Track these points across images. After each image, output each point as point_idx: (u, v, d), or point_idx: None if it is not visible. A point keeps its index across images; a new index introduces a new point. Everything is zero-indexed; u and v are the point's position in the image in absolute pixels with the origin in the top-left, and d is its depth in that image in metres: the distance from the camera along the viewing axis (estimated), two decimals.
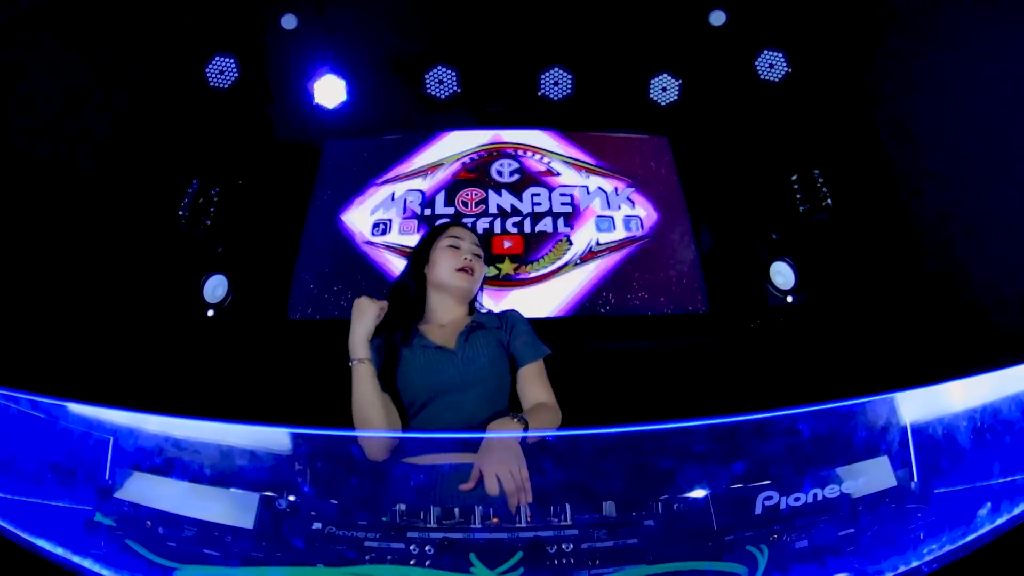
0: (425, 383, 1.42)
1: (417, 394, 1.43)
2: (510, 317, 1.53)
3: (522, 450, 1.14)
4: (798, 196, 3.23)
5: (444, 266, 1.52)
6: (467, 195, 3.46)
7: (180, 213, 3.07)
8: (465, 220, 3.36)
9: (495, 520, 0.84)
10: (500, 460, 1.09)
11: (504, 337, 1.49)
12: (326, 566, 0.80)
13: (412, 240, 3.29)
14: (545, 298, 3.15)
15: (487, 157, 3.60)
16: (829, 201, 3.11)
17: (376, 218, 3.39)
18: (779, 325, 3.04)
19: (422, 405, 1.42)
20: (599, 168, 3.57)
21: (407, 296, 1.55)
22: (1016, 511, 0.85)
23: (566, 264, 3.25)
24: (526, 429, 1.21)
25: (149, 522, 0.87)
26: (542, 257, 3.27)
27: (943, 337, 2.66)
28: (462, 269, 1.50)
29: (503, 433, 1.19)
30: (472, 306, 1.60)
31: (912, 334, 2.76)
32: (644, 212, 3.42)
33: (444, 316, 1.53)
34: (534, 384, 1.44)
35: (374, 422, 1.34)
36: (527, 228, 3.35)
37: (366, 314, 1.35)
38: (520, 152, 3.62)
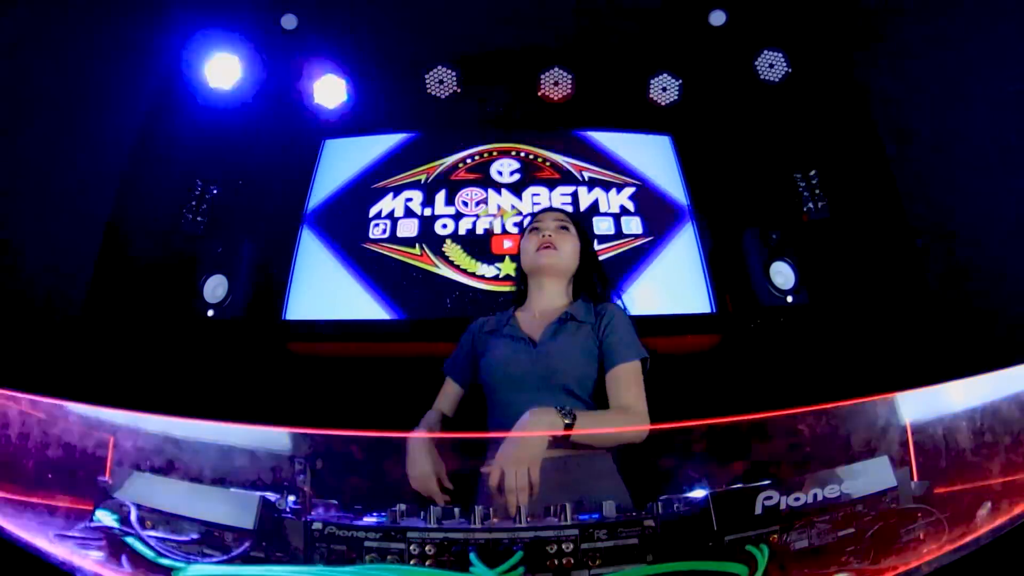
0: (502, 374, 1.40)
1: (495, 384, 1.40)
2: (608, 311, 1.45)
3: (545, 451, 1.11)
4: (804, 195, 3.22)
5: (527, 252, 1.51)
6: (467, 195, 3.46)
7: (183, 211, 3.07)
8: (465, 220, 3.36)
9: (495, 520, 0.84)
10: (514, 457, 1.08)
11: (597, 333, 1.41)
12: (326, 566, 0.80)
13: (412, 240, 3.29)
14: None
15: (487, 157, 3.60)
16: (823, 203, 3.12)
17: (376, 218, 3.39)
18: (779, 325, 3.04)
19: (501, 398, 1.39)
20: (599, 168, 3.57)
21: (517, 281, 1.60)
22: (1016, 511, 0.85)
23: None
24: (569, 427, 1.15)
25: (149, 522, 0.87)
26: None
27: (943, 337, 2.66)
28: (543, 246, 1.47)
29: (520, 433, 1.15)
30: (578, 289, 1.53)
31: (912, 334, 2.77)
32: (644, 212, 3.42)
33: (540, 302, 1.50)
34: (621, 387, 1.34)
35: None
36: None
37: (422, 483, 1.21)
38: (520, 152, 3.62)
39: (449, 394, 1.53)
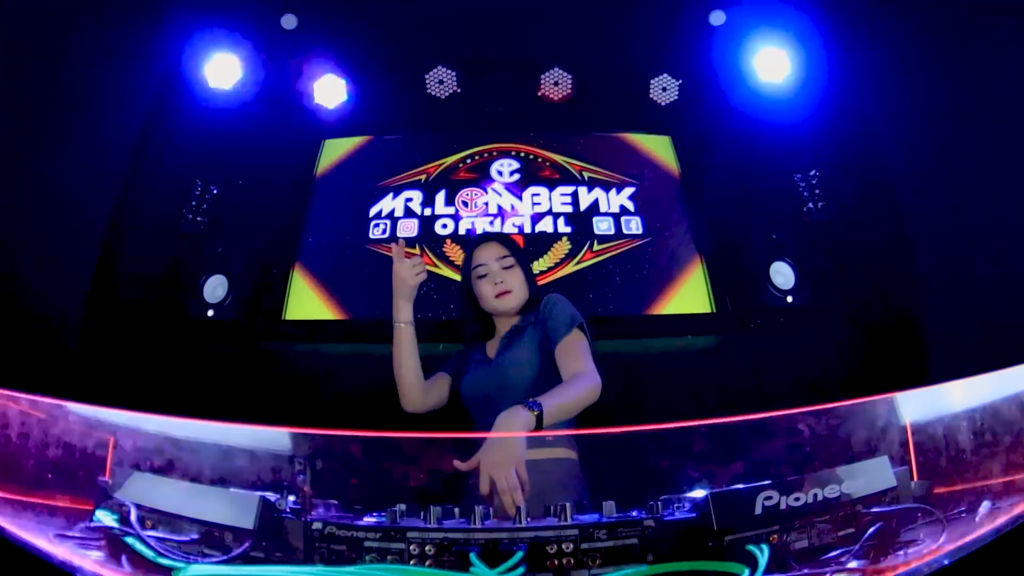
0: (471, 395, 1.54)
1: (467, 406, 1.55)
2: (544, 305, 1.56)
3: (524, 449, 1.13)
4: (805, 194, 3.22)
5: (486, 298, 1.61)
6: (467, 195, 3.46)
7: (183, 211, 3.07)
8: (465, 219, 3.36)
9: (495, 520, 0.84)
10: (496, 461, 1.08)
11: (539, 328, 1.52)
12: (326, 566, 0.80)
13: (412, 240, 3.29)
14: None
15: (487, 157, 3.60)
16: (822, 203, 3.12)
17: (376, 218, 3.39)
18: (779, 325, 3.04)
19: (473, 416, 1.53)
20: (599, 168, 3.56)
21: (472, 326, 1.68)
22: (1016, 511, 0.85)
23: (566, 264, 3.25)
24: (539, 416, 1.19)
25: (149, 522, 0.87)
26: (542, 257, 3.27)
27: (943, 337, 2.66)
28: (499, 295, 1.58)
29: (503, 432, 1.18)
30: (524, 308, 1.63)
31: (912, 334, 2.77)
32: (644, 212, 3.42)
33: (502, 328, 1.64)
34: (566, 357, 1.44)
35: (405, 381, 1.52)
36: (527, 228, 3.35)
37: (402, 279, 1.49)
38: (520, 152, 3.62)
39: (441, 381, 1.64)
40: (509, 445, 1.12)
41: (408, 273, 1.50)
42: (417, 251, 3.24)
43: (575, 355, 1.44)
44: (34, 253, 2.55)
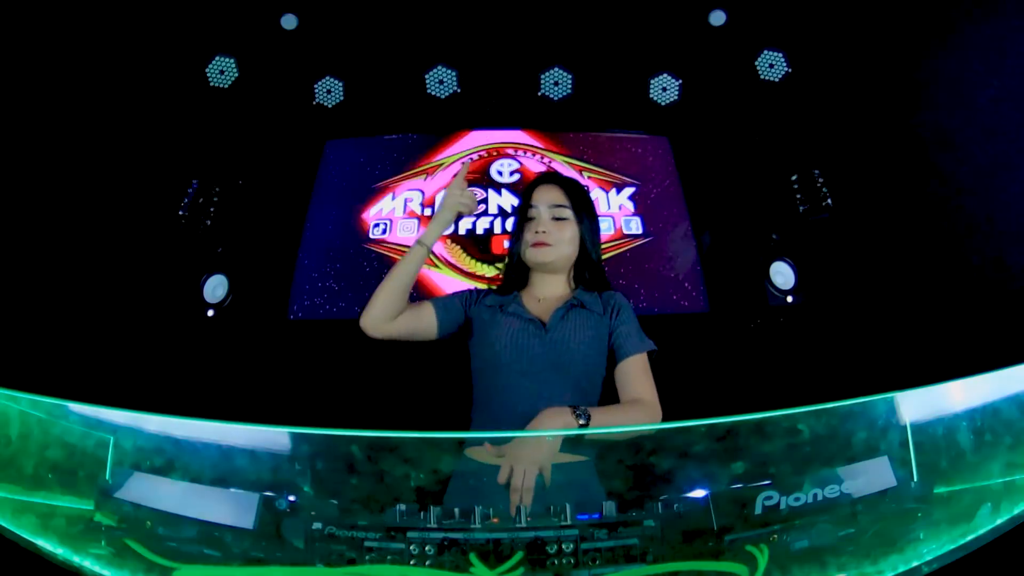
0: (509, 354, 1.35)
1: (499, 363, 1.35)
2: (616, 301, 1.42)
3: (557, 454, 1.08)
4: (798, 196, 3.23)
5: (524, 242, 1.44)
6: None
7: (180, 213, 3.07)
8: (465, 220, 3.35)
9: (495, 520, 0.84)
10: (524, 456, 1.05)
11: (607, 322, 1.39)
12: (326, 566, 0.80)
13: (412, 240, 3.29)
14: None
15: (487, 157, 3.60)
16: (829, 201, 3.11)
17: (376, 218, 3.39)
18: (779, 325, 3.04)
19: (503, 376, 1.34)
20: (599, 168, 3.57)
21: (510, 267, 1.49)
22: (1016, 511, 0.85)
23: None
24: (585, 426, 1.13)
25: (149, 522, 0.87)
26: None
27: (943, 337, 2.66)
28: (534, 244, 1.41)
29: (537, 432, 1.12)
30: (578, 277, 1.46)
31: (912, 334, 2.77)
32: (644, 212, 3.42)
33: (541, 290, 1.45)
34: (636, 379, 1.34)
35: (382, 293, 1.33)
36: None
37: (450, 201, 1.39)
38: (520, 152, 3.62)
39: (423, 309, 1.41)
40: (541, 444, 1.08)
41: (457, 199, 1.40)
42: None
43: (643, 380, 1.34)
44: (34, 252, 2.55)
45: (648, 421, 1.25)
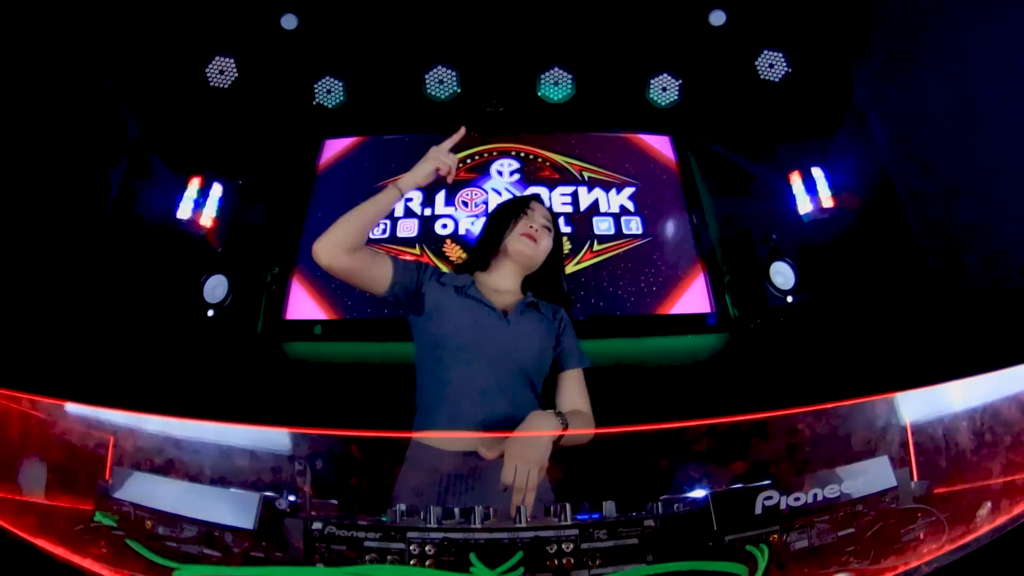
0: (471, 335, 1.37)
1: (459, 344, 1.37)
2: (564, 315, 1.54)
3: (550, 451, 1.13)
4: (798, 196, 3.23)
5: (513, 231, 1.53)
6: (467, 195, 3.46)
7: (180, 213, 3.07)
8: (465, 220, 3.36)
9: (495, 520, 0.84)
10: (527, 456, 1.08)
11: (556, 330, 1.48)
12: (326, 566, 0.80)
13: (412, 240, 3.29)
14: None
15: (487, 157, 3.60)
16: (830, 201, 3.11)
17: None
18: (779, 325, 3.04)
19: (461, 358, 1.36)
20: (599, 168, 3.57)
21: (481, 248, 1.57)
22: (1016, 511, 0.85)
23: (566, 264, 3.25)
24: (566, 429, 1.18)
25: (149, 522, 0.87)
26: None
27: (943, 337, 2.66)
28: (528, 236, 1.50)
29: (529, 432, 1.16)
30: (528, 284, 1.57)
31: (912, 334, 2.77)
32: (644, 212, 3.42)
33: (501, 281, 1.53)
34: (579, 390, 1.44)
35: (343, 224, 1.31)
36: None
37: (431, 159, 1.41)
38: (520, 152, 3.62)
39: (381, 258, 1.40)
40: (539, 444, 1.11)
41: (440, 156, 1.41)
42: (418, 251, 3.24)
43: (584, 392, 1.44)
44: (34, 252, 2.55)
45: (591, 428, 1.33)
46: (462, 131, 1.55)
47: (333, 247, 1.31)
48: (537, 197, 1.66)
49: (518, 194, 3.45)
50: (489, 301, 1.43)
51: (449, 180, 1.45)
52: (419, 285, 1.43)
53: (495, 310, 1.42)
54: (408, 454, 1.31)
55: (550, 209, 1.65)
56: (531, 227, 1.52)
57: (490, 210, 1.69)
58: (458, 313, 1.39)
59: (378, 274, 1.38)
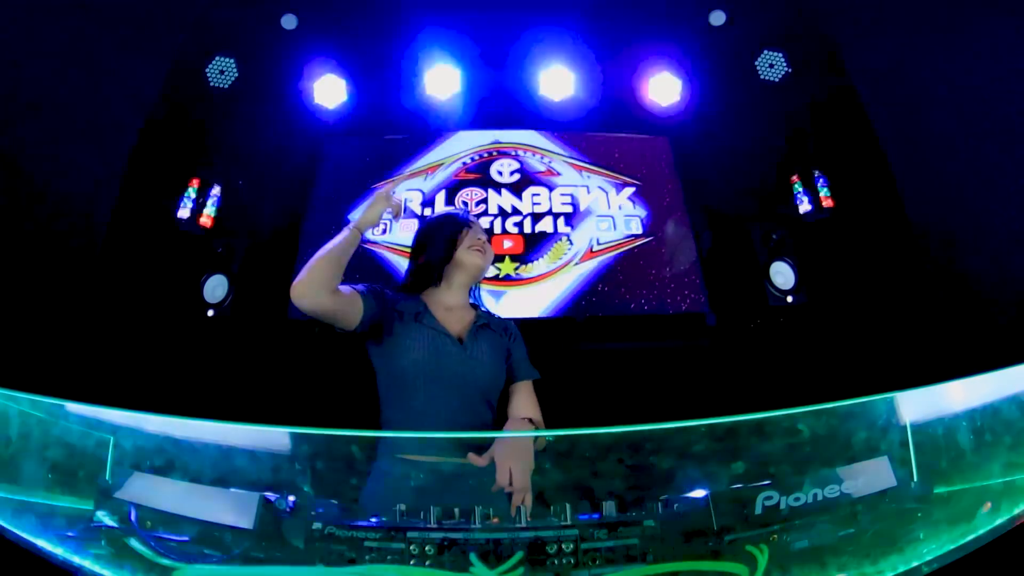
0: (429, 365, 1.42)
1: (417, 373, 1.42)
2: (512, 329, 1.59)
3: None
4: (798, 196, 3.23)
5: (465, 246, 1.57)
6: (467, 195, 3.46)
7: (180, 213, 3.07)
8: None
9: (495, 520, 0.84)
10: (517, 457, 1.10)
11: (507, 345, 1.54)
12: (326, 566, 0.80)
13: (411, 239, 3.29)
14: (545, 297, 3.15)
15: (487, 157, 3.60)
16: (830, 201, 3.11)
17: None
18: (779, 325, 3.04)
19: (421, 387, 1.42)
20: (599, 168, 3.57)
21: (426, 268, 1.57)
22: (1016, 511, 0.85)
23: (566, 264, 3.25)
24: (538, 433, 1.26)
25: (149, 522, 0.87)
26: (542, 257, 3.27)
27: (943, 337, 2.66)
28: (476, 248, 1.56)
29: (513, 432, 1.21)
30: (472, 298, 1.63)
31: (912, 334, 2.77)
32: (644, 212, 3.42)
33: (452, 297, 1.56)
34: (530, 400, 1.49)
35: (315, 266, 1.34)
36: (527, 228, 3.35)
37: (377, 199, 1.50)
38: (520, 152, 3.62)
39: (353, 295, 1.42)
40: (527, 445, 1.14)
41: (386, 201, 1.49)
42: None
43: (535, 402, 1.49)
44: (35, 252, 2.55)
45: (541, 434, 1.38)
46: (394, 188, 1.61)
47: (314, 288, 1.33)
48: (467, 219, 1.68)
49: (516, 195, 3.46)
50: (444, 327, 1.48)
51: (397, 219, 1.59)
52: (380, 313, 1.46)
53: (450, 337, 1.47)
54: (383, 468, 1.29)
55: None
56: (479, 239, 1.58)
57: (423, 226, 1.66)
58: (415, 345, 1.44)
59: (354, 309, 1.41)
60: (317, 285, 1.32)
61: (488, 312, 1.61)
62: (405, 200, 1.55)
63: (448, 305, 1.54)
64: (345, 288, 1.40)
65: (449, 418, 1.39)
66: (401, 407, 1.44)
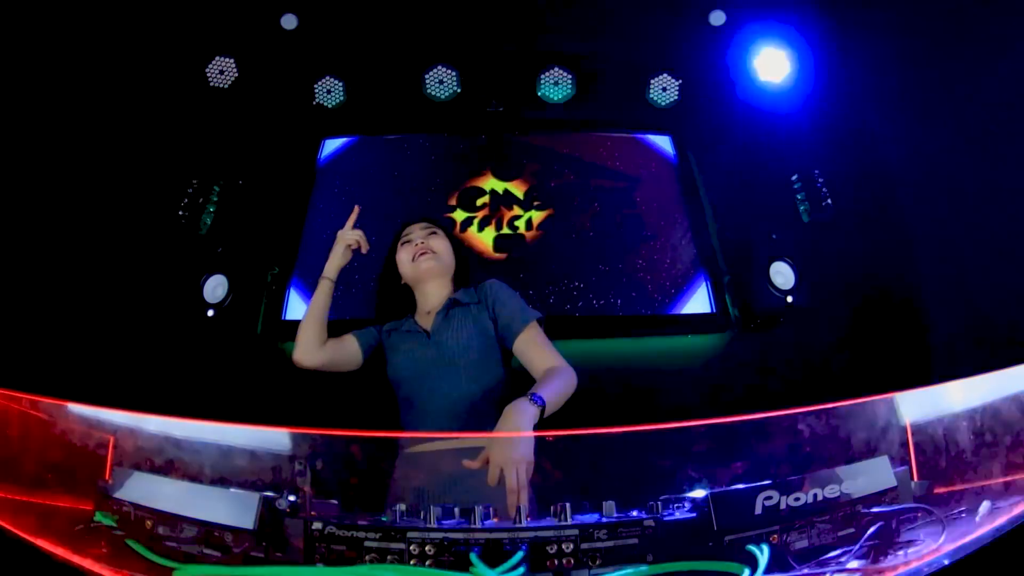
0: (407, 367, 1.50)
1: (402, 378, 1.51)
2: (488, 289, 1.54)
3: (533, 445, 1.13)
4: (798, 196, 3.22)
5: (404, 264, 1.59)
6: (467, 195, 3.46)
7: (180, 213, 3.06)
8: (465, 220, 3.36)
9: (495, 520, 0.84)
10: (510, 456, 1.08)
11: (486, 311, 1.50)
12: (326, 566, 0.80)
13: None
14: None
15: (487, 157, 3.60)
16: (829, 202, 3.11)
17: (376, 218, 3.39)
18: (779, 325, 3.04)
19: (408, 390, 1.49)
20: (599, 168, 3.56)
21: (389, 297, 1.65)
22: (1016, 511, 0.85)
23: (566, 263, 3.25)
24: (543, 410, 1.20)
25: (149, 522, 0.87)
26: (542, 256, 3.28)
27: (943, 337, 2.66)
28: (419, 254, 1.56)
29: (506, 433, 1.18)
30: (458, 280, 1.63)
31: (912, 334, 2.77)
32: (644, 212, 3.42)
33: (428, 302, 1.58)
34: (535, 350, 1.42)
35: (304, 331, 1.53)
36: (527, 228, 3.35)
37: (339, 240, 1.60)
38: (520, 152, 3.62)
39: (345, 339, 1.60)
40: (521, 443, 1.11)
41: (348, 237, 1.59)
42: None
43: (544, 349, 1.42)
44: (35, 252, 2.55)
45: (573, 381, 1.34)
46: (357, 209, 1.67)
47: (307, 349, 1.52)
48: (409, 222, 1.69)
49: (516, 195, 3.46)
50: (418, 327, 1.54)
51: (363, 251, 1.63)
52: (376, 341, 1.62)
53: (419, 332, 1.52)
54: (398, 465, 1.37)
55: (426, 217, 1.71)
56: (417, 245, 1.57)
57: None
58: (395, 351, 1.55)
59: (350, 352, 1.59)
60: (307, 348, 1.52)
61: (464, 289, 1.58)
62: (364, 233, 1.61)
63: (426, 310, 1.58)
64: (341, 338, 1.59)
65: (445, 406, 1.42)
66: (407, 411, 1.51)
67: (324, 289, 1.58)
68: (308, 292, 3.16)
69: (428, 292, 1.59)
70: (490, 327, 1.48)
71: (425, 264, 1.55)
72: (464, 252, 1.69)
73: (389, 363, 1.56)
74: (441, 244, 1.60)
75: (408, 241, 1.61)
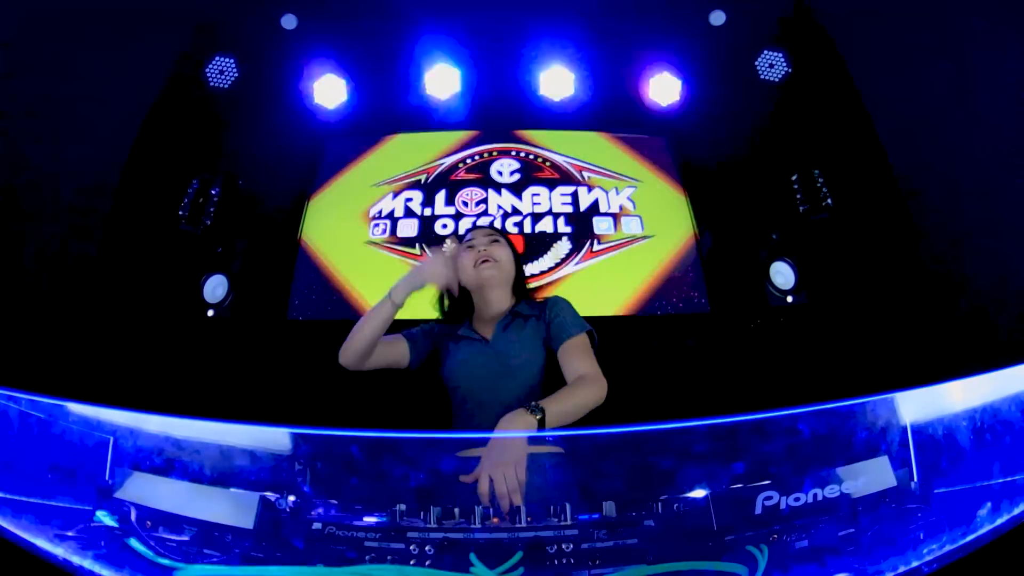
0: (464, 374, 1.50)
1: (458, 385, 1.50)
2: (549, 302, 1.56)
3: (528, 449, 1.13)
4: (798, 196, 3.22)
5: (466, 269, 1.57)
6: (467, 195, 3.46)
7: (180, 213, 3.07)
8: (465, 220, 3.36)
9: (495, 520, 0.84)
10: (497, 462, 1.08)
11: (544, 320, 1.52)
12: (326, 566, 0.80)
13: (412, 240, 3.29)
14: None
15: (487, 157, 3.60)
16: (829, 201, 3.11)
17: (376, 218, 3.39)
18: (779, 325, 3.04)
19: (464, 396, 1.49)
20: (599, 168, 3.57)
21: (449, 297, 1.63)
22: (1016, 511, 0.85)
23: (566, 263, 3.25)
24: (542, 420, 1.19)
25: (149, 522, 0.87)
26: (542, 257, 3.27)
27: (943, 337, 2.65)
28: (481, 261, 1.55)
29: (509, 433, 1.17)
30: (518, 291, 1.62)
31: (912, 334, 2.76)
32: (644, 212, 3.42)
33: (488, 310, 1.59)
34: (573, 358, 1.41)
35: (357, 340, 1.44)
36: (527, 228, 3.35)
37: (429, 271, 1.44)
38: (520, 152, 3.62)
39: (396, 344, 1.55)
40: (510, 445, 1.12)
41: (434, 272, 1.45)
42: (418, 250, 3.24)
43: (581, 356, 1.42)
44: (35, 252, 2.55)
45: (596, 392, 1.33)
46: (452, 246, 1.65)
47: (353, 358, 1.47)
48: (472, 228, 1.71)
49: (516, 195, 3.45)
50: (477, 334, 1.54)
51: (455, 293, 1.55)
52: (431, 346, 1.59)
53: (478, 340, 1.52)
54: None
55: (489, 226, 1.72)
56: (480, 251, 1.57)
57: None
58: (452, 356, 1.53)
59: (398, 358, 1.55)
60: (353, 355, 1.46)
61: (527, 301, 1.59)
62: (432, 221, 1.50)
63: (486, 318, 1.58)
64: (389, 337, 1.52)
65: (491, 411, 1.39)
66: (461, 414, 1.50)
67: (386, 312, 1.43)
68: (308, 291, 3.17)
69: (490, 300, 1.58)
70: (543, 336, 1.50)
71: (487, 272, 1.55)
72: (520, 262, 1.68)
73: (445, 366, 1.54)
74: (503, 253, 1.60)
75: (471, 247, 1.60)
